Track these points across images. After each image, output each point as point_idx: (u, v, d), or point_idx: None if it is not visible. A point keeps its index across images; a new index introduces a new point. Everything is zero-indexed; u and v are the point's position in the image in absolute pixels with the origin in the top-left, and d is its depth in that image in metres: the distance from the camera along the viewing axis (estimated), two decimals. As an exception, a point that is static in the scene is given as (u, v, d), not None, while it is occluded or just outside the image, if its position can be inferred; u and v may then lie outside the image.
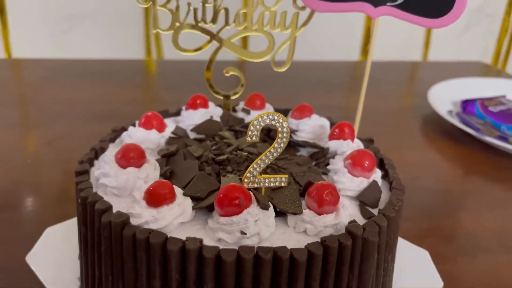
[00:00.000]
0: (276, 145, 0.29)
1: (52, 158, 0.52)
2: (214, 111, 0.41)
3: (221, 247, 0.26)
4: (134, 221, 0.27)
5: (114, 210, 0.28)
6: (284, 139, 0.29)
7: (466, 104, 0.71)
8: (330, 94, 0.77)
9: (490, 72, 1.06)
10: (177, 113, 0.42)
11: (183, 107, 0.42)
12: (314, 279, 0.26)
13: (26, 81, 0.74)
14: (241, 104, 0.44)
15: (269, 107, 0.43)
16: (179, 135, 0.38)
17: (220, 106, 0.43)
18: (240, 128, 0.40)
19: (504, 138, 0.61)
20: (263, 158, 0.29)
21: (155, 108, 0.66)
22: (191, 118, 0.40)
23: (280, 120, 0.28)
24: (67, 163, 0.51)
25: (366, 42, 1.31)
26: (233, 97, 0.43)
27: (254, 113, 0.42)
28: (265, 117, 0.28)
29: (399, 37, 1.33)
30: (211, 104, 0.42)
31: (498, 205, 0.51)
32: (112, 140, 0.37)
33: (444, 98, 0.73)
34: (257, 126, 0.28)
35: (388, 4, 0.36)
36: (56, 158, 0.52)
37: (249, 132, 0.28)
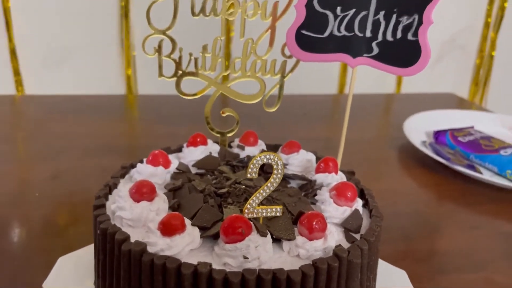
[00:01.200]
0: (272, 180, 0.34)
1: (58, 191, 0.56)
2: (212, 148, 0.46)
3: (227, 270, 0.30)
4: (150, 249, 0.31)
5: (131, 240, 0.32)
6: (279, 175, 0.33)
7: (438, 135, 0.77)
8: (312, 126, 0.83)
9: (461, 103, 1.13)
10: (179, 149, 0.47)
11: (185, 145, 0.46)
12: (308, 298, 0.31)
13: (25, 117, 0.77)
14: (236, 141, 0.48)
15: (261, 143, 0.48)
16: (182, 170, 0.42)
17: (217, 142, 0.48)
18: (236, 163, 0.44)
19: (472, 167, 0.67)
20: (261, 191, 0.34)
21: (148, 141, 0.70)
22: (192, 155, 0.45)
23: (276, 159, 0.33)
24: (73, 196, 0.55)
25: (343, 76, 1.38)
26: (228, 135, 0.48)
27: (248, 149, 0.47)
28: (263, 157, 0.33)
29: (373, 71, 1.41)
30: (209, 141, 0.47)
31: (468, 227, 0.56)
32: (123, 176, 0.42)
33: (418, 129, 0.79)
34: (256, 165, 0.33)
35: (364, 55, 0.42)
36: (62, 191, 0.56)
37: (249, 170, 0.33)
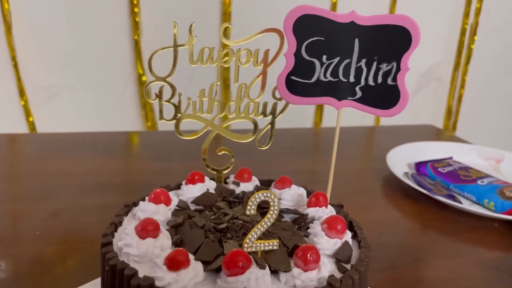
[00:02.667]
0: (269, 216, 0.37)
1: (59, 229, 0.57)
2: (209, 185, 0.49)
3: (230, 301, 0.33)
4: (158, 283, 0.34)
5: (140, 275, 0.35)
6: (275, 212, 0.36)
7: (419, 166, 0.81)
8: (297, 159, 0.87)
9: (440, 134, 1.18)
10: (178, 187, 0.49)
11: (183, 182, 0.49)
12: (304, 325, 0.33)
13: (21, 156, 0.79)
14: (231, 177, 0.51)
15: (255, 179, 0.51)
16: (182, 207, 0.45)
17: (213, 179, 0.51)
18: (232, 199, 0.47)
19: (452, 197, 0.71)
20: (259, 227, 0.37)
21: (144, 177, 0.73)
22: (190, 192, 0.47)
23: (272, 197, 0.36)
24: (74, 234, 0.57)
25: (319, 111, 1.43)
26: (224, 172, 0.51)
27: (243, 185, 0.50)
28: (260, 195, 0.36)
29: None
30: (206, 178, 0.50)
31: (450, 255, 0.59)
32: (126, 214, 0.44)
33: (400, 161, 0.83)
34: (255, 202, 0.36)
35: (349, 98, 0.46)
36: (63, 228, 0.57)
37: (248, 207, 0.36)
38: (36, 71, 1.17)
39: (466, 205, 0.70)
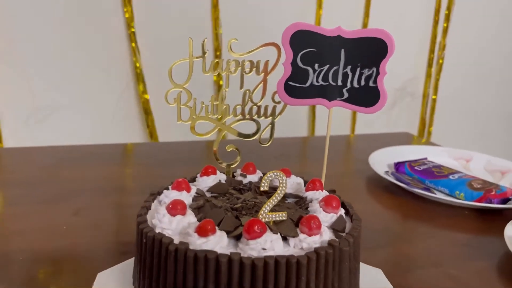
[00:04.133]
0: (278, 191, 0.45)
1: (82, 224, 0.64)
2: (221, 177, 0.57)
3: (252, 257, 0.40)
4: (191, 247, 0.41)
5: (175, 242, 0.42)
6: (284, 187, 0.45)
7: (398, 166, 0.90)
8: (290, 164, 0.95)
9: (414, 140, 1.29)
10: (193, 179, 0.57)
11: (198, 175, 0.57)
12: (311, 276, 0.41)
13: (38, 166, 0.85)
14: (238, 171, 0.59)
15: (258, 172, 0.59)
16: (200, 194, 0.53)
17: (223, 173, 0.58)
18: (241, 187, 0.55)
19: (428, 189, 0.81)
20: (271, 201, 0.45)
21: (156, 182, 0.80)
22: (205, 182, 0.55)
23: (281, 175, 0.44)
24: (97, 227, 0.64)
25: (313, 121, 1.54)
26: (232, 166, 0.59)
27: (249, 177, 0.58)
28: (272, 174, 0.44)
29: (340, 117, 1.58)
30: (217, 171, 0.57)
31: (427, 237, 0.68)
32: (153, 200, 0.51)
33: (381, 162, 0.92)
34: (267, 180, 0.44)
35: (337, 99, 0.55)
36: (86, 223, 0.64)
37: (262, 184, 0.44)
38: (31, 91, 1.23)
39: (441, 196, 0.79)
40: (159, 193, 0.53)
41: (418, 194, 0.80)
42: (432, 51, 1.75)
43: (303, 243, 0.43)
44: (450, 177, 0.83)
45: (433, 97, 1.82)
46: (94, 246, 0.59)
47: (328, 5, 1.49)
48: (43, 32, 1.18)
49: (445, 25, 1.71)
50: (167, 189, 0.53)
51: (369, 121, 1.70)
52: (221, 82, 1.09)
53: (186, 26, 1.26)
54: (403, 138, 1.24)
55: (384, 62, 0.52)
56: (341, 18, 1.55)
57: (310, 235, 0.44)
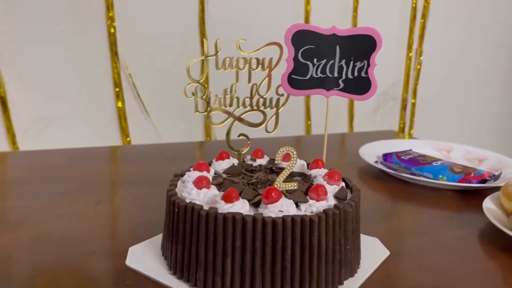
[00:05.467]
0: (290, 163, 0.52)
1: (106, 211, 0.70)
2: (234, 161, 0.64)
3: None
4: (220, 211, 0.48)
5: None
6: (295, 160, 0.52)
7: (386, 157, 0.99)
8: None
9: (399, 136, 1.38)
10: (209, 164, 0.64)
11: (214, 160, 0.64)
12: (322, 232, 0.49)
13: (52, 165, 0.91)
14: (248, 157, 0.67)
15: (266, 157, 0.67)
16: (218, 174, 0.60)
17: (235, 158, 0.66)
18: (252, 169, 0.62)
19: (414, 175, 0.89)
20: (284, 172, 0.52)
21: (162, 175, 0.86)
22: (221, 165, 0.62)
23: (292, 150, 0.52)
24: (120, 213, 0.70)
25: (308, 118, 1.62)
26: (243, 152, 0.66)
27: (258, 161, 0.65)
28: (284, 148, 0.52)
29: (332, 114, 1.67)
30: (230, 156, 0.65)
31: (415, 214, 0.76)
32: (177, 180, 0.58)
33: (370, 153, 1.00)
34: (281, 154, 0.52)
35: (334, 89, 0.63)
36: (109, 210, 0.71)
37: (277, 157, 0.52)
38: (25, 106, 1.28)
39: (426, 179, 0.87)
40: (182, 174, 0.60)
41: (405, 179, 0.88)
42: (409, 57, 1.86)
43: (313, 207, 0.51)
44: (434, 163, 0.92)
45: (412, 101, 1.93)
46: (120, 228, 0.65)
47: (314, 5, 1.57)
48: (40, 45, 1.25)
49: (420, 33, 1.83)
50: (189, 170, 0.60)
51: (355, 127, 1.79)
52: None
53: (174, 34, 1.34)
54: (389, 135, 1.33)
55: (373, 55, 0.60)
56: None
57: (318, 201, 0.51)
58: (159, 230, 0.62)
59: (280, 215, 0.48)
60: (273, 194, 0.49)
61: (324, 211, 0.49)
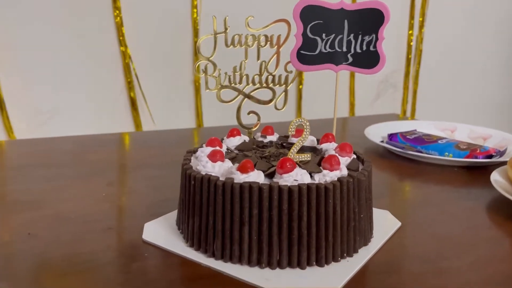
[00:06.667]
0: (303, 135, 0.53)
1: (118, 192, 0.71)
2: (245, 138, 0.65)
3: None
4: (236, 181, 0.49)
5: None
6: (308, 131, 0.53)
7: (391, 136, 0.99)
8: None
9: (402, 118, 1.39)
10: (221, 140, 0.65)
11: (225, 137, 0.65)
12: (337, 200, 0.49)
13: (62, 152, 0.92)
14: (258, 134, 0.68)
15: (276, 134, 0.68)
16: (231, 150, 0.61)
17: (245, 135, 0.67)
18: (263, 144, 0.63)
19: (420, 153, 0.90)
20: (297, 143, 0.53)
21: (170, 158, 0.87)
22: (232, 142, 0.63)
23: (305, 121, 0.53)
24: (132, 193, 0.71)
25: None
26: (253, 129, 0.67)
27: (269, 137, 0.66)
28: (297, 120, 0.52)
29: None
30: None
31: (422, 189, 0.77)
32: (191, 155, 0.59)
33: (376, 134, 1.01)
34: (293, 126, 0.53)
35: (343, 63, 0.63)
36: (121, 191, 0.71)
37: (290, 128, 0.53)
38: (31, 96, 1.29)
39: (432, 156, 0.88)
40: (195, 151, 0.60)
41: (412, 157, 0.89)
42: (409, 44, 1.86)
43: (326, 177, 0.51)
44: (439, 141, 0.93)
45: (414, 88, 1.93)
46: (133, 206, 0.66)
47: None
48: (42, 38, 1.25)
49: (420, 19, 1.83)
50: (202, 146, 0.60)
51: (357, 113, 1.80)
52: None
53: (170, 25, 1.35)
54: (392, 118, 1.34)
55: (382, 28, 0.61)
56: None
57: (331, 170, 0.52)
58: (173, 207, 0.62)
59: (296, 183, 0.49)
60: (287, 164, 0.50)
61: (339, 179, 0.50)
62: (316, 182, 0.51)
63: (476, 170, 0.85)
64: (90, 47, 1.30)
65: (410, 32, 1.84)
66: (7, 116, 1.23)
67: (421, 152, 0.91)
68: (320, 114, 1.24)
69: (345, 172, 0.53)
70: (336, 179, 0.51)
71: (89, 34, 1.29)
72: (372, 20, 0.61)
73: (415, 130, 1.03)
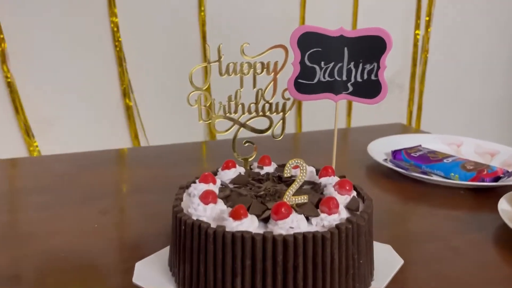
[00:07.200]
0: (300, 177, 0.50)
1: (110, 222, 0.69)
2: (240, 170, 0.62)
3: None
4: (227, 229, 0.46)
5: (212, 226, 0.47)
6: (304, 173, 0.50)
7: (395, 154, 0.96)
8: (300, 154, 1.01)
9: (407, 129, 1.36)
10: (215, 173, 0.62)
11: (219, 169, 0.62)
12: (334, 249, 0.47)
13: (56, 173, 0.90)
14: (255, 164, 0.65)
15: (274, 164, 0.65)
16: (225, 185, 0.58)
17: (241, 166, 0.64)
18: (260, 178, 0.60)
19: (425, 173, 0.87)
20: (294, 185, 0.50)
21: (169, 180, 0.84)
22: (227, 175, 0.60)
23: (302, 162, 0.50)
24: (125, 224, 0.69)
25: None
26: (249, 159, 0.64)
27: (266, 168, 0.63)
28: (293, 161, 0.49)
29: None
30: (237, 165, 0.63)
31: (427, 215, 0.74)
32: (183, 193, 0.56)
33: (379, 150, 0.98)
34: (290, 167, 0.50)
35: (343, 93, 0.60)
36: (113, 223, 0.69)
37: (286, 169, 0.50)
38: (32, 102, 1.28)
39: (438, 178, 0.85)
40: (187, 186, 0.58)
41: (416, 178, 0.86)
42: (416, 44, 1.82)
43: (324, 221, 0.49)
44: (445, 160, 0.89)
45: (420, 89, 1.90)
46: (125, 240, 0.64)
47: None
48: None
49: (427, 18, 1.79)
50: (194, 182, 0.58)
51: (361, 116, 1.76)
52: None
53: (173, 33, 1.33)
54: (397, 128, 1.30)
55: (383, 57, 0.58)
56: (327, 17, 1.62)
57: (330, 214, 0.49)
58: (166, 241, 0.60)
59: (291, 231, 0.46)
60: (282, 209, 0.47)
61: (337, 226, 0.47)
62: (313, 226, 0.48)
63: (483, 192, 0.82)
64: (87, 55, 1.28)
65: (417, 32, 1.81)
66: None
67: (426, 173, 0.88)
68: (320, 125, 1.21)
69: (344, 214, 0.50)
70: (334, 224, 0.48)
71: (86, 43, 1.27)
72: (373, 48, 0.58)
73: (420, 146, 1.00)
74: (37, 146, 1.27)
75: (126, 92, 1.32)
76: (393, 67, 1.86)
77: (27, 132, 1.26)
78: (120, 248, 0.62)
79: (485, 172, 0.83)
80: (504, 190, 0.78)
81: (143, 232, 0.66)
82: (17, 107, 1.24)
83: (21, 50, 1.22)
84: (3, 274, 0.55)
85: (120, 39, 1.30)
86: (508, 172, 0.85)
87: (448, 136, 1.08)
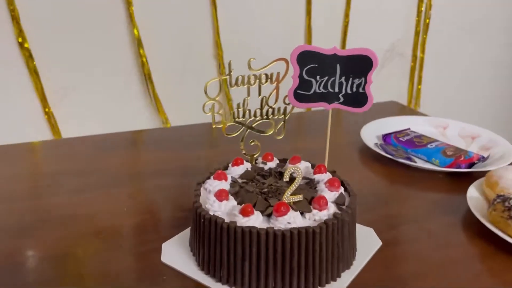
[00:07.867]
0: (295, 183, 0.62)
1: (138, 205, 0.81)
2: (247, 165, 0.73)
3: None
4: (238, 224, 0.58)
5: (226, 221, 0.59)
6: (300, 177, 0.61)
7: (386, 137, 1.07)
8: (297, 140, 1.12)
9: (402, 109, 1.45)
10: (226, 167, 0.73)
11: (230, 165, 0.73)
12: (323, 240, 0.59)
13: (84, 156, 1.02)
14: (260, 159, 0.76)
15: (276, 160, 0.76)
16: (234, 181, 0.70)
17: (247, 160, 0.75)
18: (264, 173, 0.72)
19: (409, 158, 0.98)
20: (291, 188, 0.62)
21: (188, 163, 0.96)
22: (236, 171, 0.72)
23: (298, 169, 0.61)
24: (151, 206, 0.81)
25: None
26: (255, 156, 0.76)
27: (269, 164, 0.74)
28: (291, 169, 0.61)
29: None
30: (244, 161, 0.74)
31: (410, 198, 0.86)
32: (200, 188, 0.68)
33: (371, 134, 1.09)
34: (288, 173, 0.61)
35: (335, 102, 0.71)
36: (140, 205, 0.81)
37: (285, 176, 0.61)
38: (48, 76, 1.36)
39: (420, 163, 0.96)
40: (204, 182, 0.69)
41: (402, 163, 0.97)
42: (419, 11, 1.83)
43: (316, 216, 0.61)
44: (428, 146, 1.00)
45: (421, 55, 1.93)
46: (153, 222, 0.76)
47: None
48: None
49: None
50: (209, 177, 0.69)
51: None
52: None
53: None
54: (391, 108, 1.40)
55: (370, 73, 0.68)
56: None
57: (320, 210, 0.61)
58: (186, 223, 0.72)
59: (289, 226, 0.58)
60: (282, 208, 0.59)
61: (325, 221, 0.59)
62: (307, 220, 0.60)
63: (459, 177, 0.93)
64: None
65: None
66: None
67: (410, 157, 0.99)
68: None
69: (332, 209, 0.62)
70: (323, 219, 0.60)
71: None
72: (361, 65, 0.68)
73: (409, 129, 1.10)
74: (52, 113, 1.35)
75: (145, 69, 1.40)
76: (395, 35, 1.88)
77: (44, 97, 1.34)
78: (148, 228, 0.75)
79: (462, 158, 0.94)
80: (478, 175, 0.89)
81: (167, 214, 0.78)
82: (36, 74, 1.32)
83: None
84: (52, 253, 0.67)
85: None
86: (483, 157, 0.96)
87: (435, 118, 1.18)
